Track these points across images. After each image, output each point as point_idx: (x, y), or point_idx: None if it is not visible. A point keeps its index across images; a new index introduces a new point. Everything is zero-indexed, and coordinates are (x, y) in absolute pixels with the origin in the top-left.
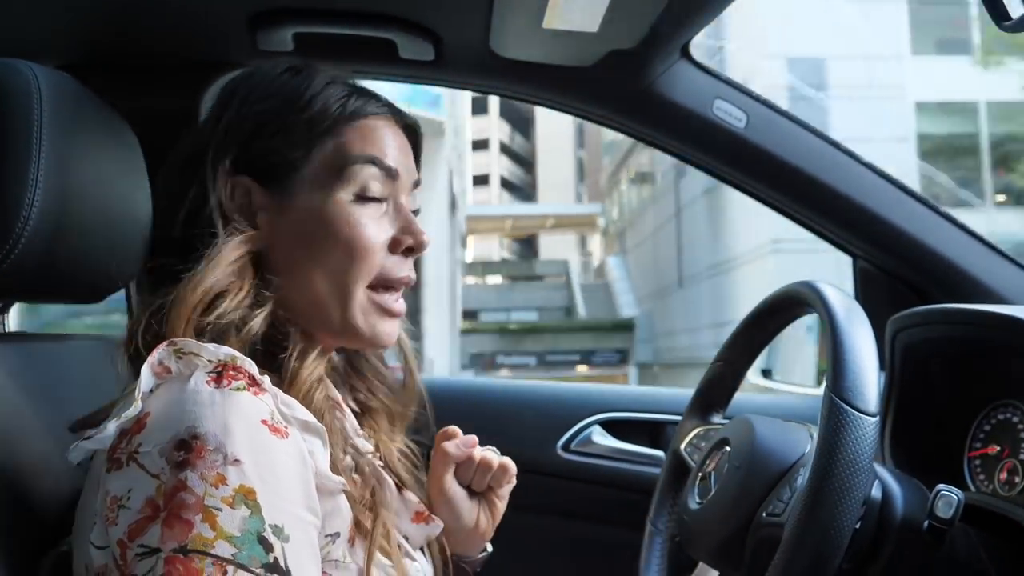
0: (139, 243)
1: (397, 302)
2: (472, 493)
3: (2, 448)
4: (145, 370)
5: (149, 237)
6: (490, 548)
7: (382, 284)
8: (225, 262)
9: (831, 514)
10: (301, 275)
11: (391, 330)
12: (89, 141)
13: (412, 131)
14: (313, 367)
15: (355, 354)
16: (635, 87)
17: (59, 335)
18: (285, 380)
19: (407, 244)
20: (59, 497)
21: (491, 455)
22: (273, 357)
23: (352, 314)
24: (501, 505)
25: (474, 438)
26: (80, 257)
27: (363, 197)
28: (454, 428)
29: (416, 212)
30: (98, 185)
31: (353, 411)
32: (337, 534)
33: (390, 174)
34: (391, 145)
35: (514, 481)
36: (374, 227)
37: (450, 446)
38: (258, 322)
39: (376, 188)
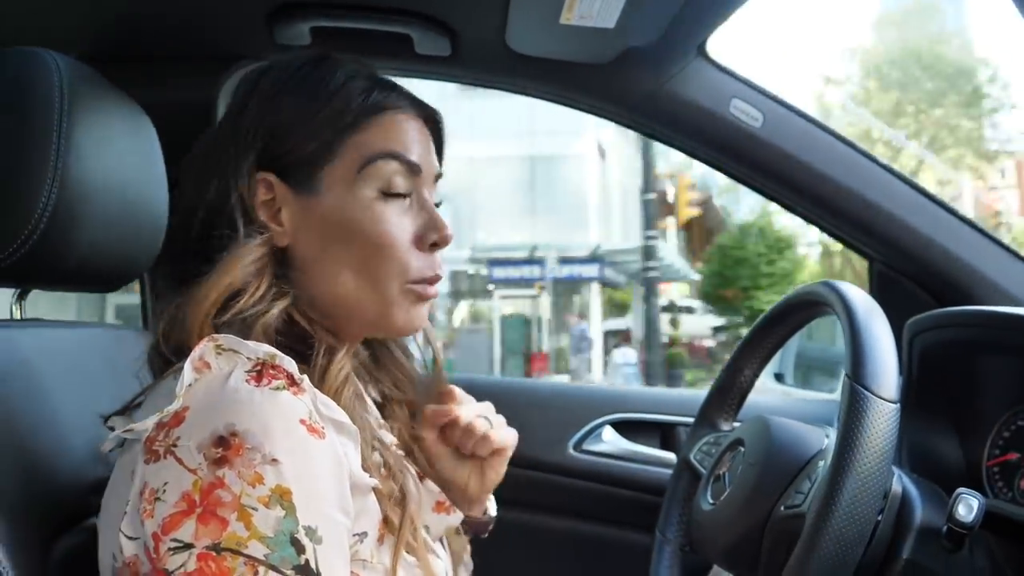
0: (156, 233)
1: (431, 287)
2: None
3: (20, 432)
4: (187, 365)
5: (166, 227)
6: (493, 512)
7: (415, 283)
8: (244, 261)
9: (855, 499)
10: (328, 272)
11: (424, 314)
12: (108, 131)
13: (433, 123)
14: (341, 365)
15: (379, 346)
16: (651, 85)
17: (76, 322)
18: (315, 378)
19: (432, 239)
20: (76, 481)
21: (479, 423)
22: (300, 355)
23: (390, 307)
24: (491, 474)
25: (455, 409)
26: (97, 246)
27: (387, 193)
28: (456, 391)
29: (438, 204)
30: (116, 174)
31: (375, 401)
32: (365, 533)
33: (412, 169)
34: (413, 139)
35: (505, 453)
36: (398, 223)
37: (428, 409)
38: (274, 316)
39: (399, 184)
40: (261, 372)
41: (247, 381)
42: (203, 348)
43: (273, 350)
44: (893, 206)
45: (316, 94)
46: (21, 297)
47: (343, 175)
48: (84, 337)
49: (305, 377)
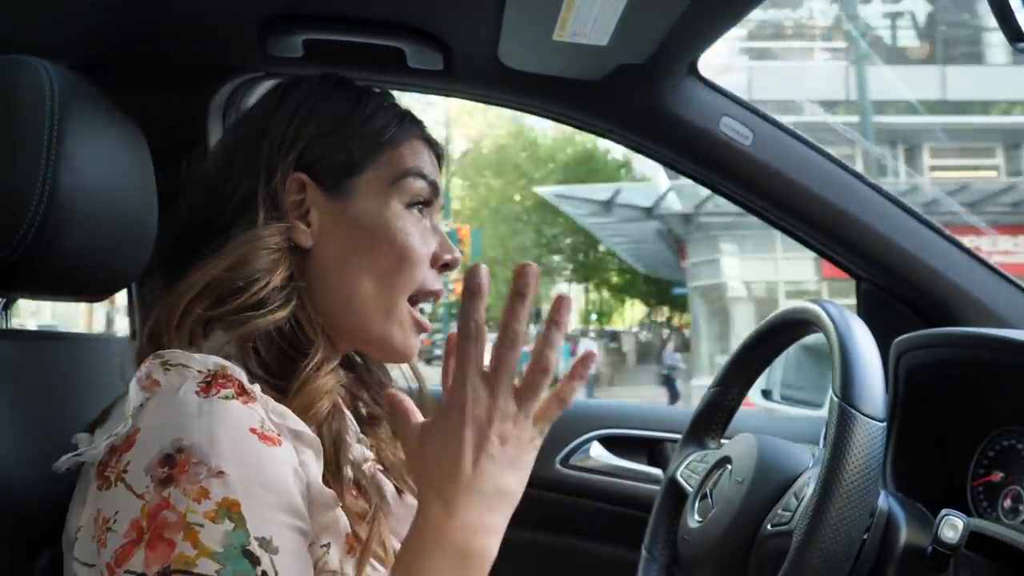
0: (145, 242)
1: (426, 317)
2: None
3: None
4: (133, 385)
5: (156, 234)
6: None
7: (420, 295)
8: (260, 247)
9: (842, 517)
10: (348, 277)
11: (418, 344)
12: (98, 139)
13: (440, 156)
14: (326, 379)
15: (361, 366)
16: (643, 102)
17: (59, 334)
18: (294, 385)
19: (445, 259)
20: (55, 497)
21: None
22: (289, 359)
23: (391, 325)
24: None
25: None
26: (86, 254)
27: (413, 208)
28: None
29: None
30: (106, 184)
31: (355, 417)
32: (329, 544)
33: (434, 190)
34: (434, 166)
35: None
36: (421, 238)
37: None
38: (278, 319)
39: (422, 202)
40: (210, 383)
41: (196, 393)
42: (149, 366)
43: (223, 361)
44: (881, 225)
45: (355, 107)
46: (6, 307)
47: (377, 184)
48: (69, 348)
49: (256, 387)
